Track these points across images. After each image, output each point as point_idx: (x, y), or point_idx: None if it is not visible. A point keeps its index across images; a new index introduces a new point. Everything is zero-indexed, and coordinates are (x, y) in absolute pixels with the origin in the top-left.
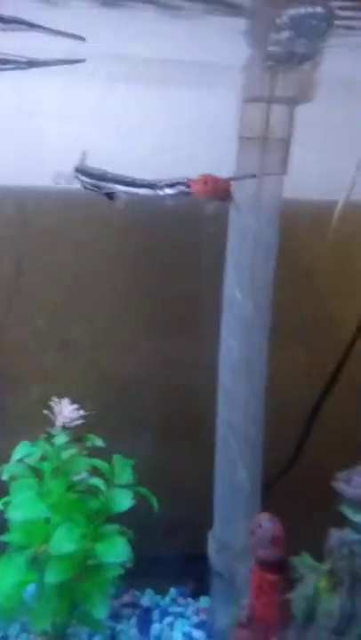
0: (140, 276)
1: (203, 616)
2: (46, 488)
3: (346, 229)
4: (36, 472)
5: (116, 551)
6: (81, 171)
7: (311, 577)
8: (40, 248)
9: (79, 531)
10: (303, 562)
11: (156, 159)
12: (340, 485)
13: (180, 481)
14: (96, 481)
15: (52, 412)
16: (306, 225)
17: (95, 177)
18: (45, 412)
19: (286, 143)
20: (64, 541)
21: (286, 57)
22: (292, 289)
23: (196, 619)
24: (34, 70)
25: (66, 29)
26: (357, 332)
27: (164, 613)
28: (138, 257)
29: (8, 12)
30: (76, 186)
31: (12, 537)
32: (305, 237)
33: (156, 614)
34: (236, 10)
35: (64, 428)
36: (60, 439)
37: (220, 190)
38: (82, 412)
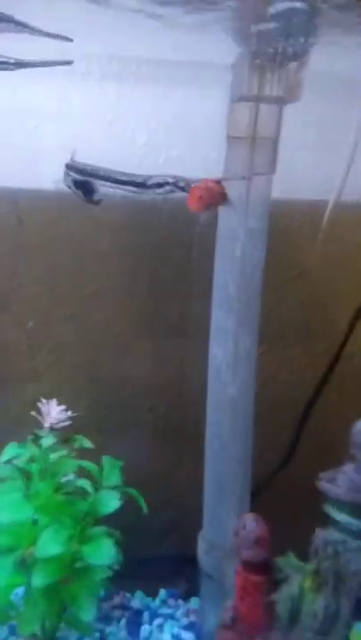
0: (135, 277)
1: (192, 617)
2: (34, 490)
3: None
4: (25, 474)
5: (103, 553)
6: (71, 167)
7: (296, 577)
8: (35, 248)
9: (66, 533)
10: (288, 562)
11: (148, 158)
12: (324, 485)
13: (171, 482)
14: (83, 482)
15: (40, 414)
16: (298, 225)
17: (85, 173)
18: (33, 413)
19: (275, 142)
20: (50, 544)
21: (274, 55)
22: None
23: (185, 620)
24: (27, 71)
25: (59, 30)
26: (349, 333)
27: (154, 615)
28: (132, 257)
29: None
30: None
31: None
32: (296, 237)
33: (145, 616)
34: (221, 6)
35: (52, 429)
36: (48, 440)
37: (215, 198)
38: (70, 414)
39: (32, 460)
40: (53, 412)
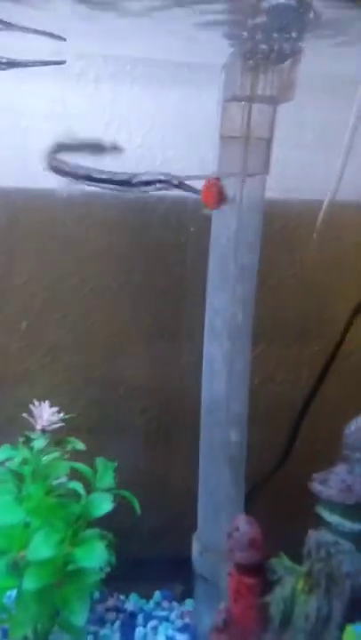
0: (130, 277)
1: (187, 619)
2: (26, 492)
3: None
4: (18, 476)
5: (95, 556)
6: (54, 168)
7: (289, 579)
8: (29, 248)
9: (58, 535)
10: (281, 563)
11: (145, 159)
12: (316, 486)
13: (165, 483)
14: (74, 485)
15: (32, 416)
16: (294, 225)
17: (69, 174)
18: (25, 415)
19: (268, 143)
20: (42, 547)
21: (266, 54)
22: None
23: (180, 622)
24: (22, 70)
25: (56, 30)
26: (345, 332)
27: (148, 617)
28: (127, 257)
29: None
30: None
31: None
32: (292, 237)
33: (140, 618)
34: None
35: (44, 431)
36: (39, 443)
37: (224, 195)
38: (62, 415)
39: (24, 462)
40: (45, 415)
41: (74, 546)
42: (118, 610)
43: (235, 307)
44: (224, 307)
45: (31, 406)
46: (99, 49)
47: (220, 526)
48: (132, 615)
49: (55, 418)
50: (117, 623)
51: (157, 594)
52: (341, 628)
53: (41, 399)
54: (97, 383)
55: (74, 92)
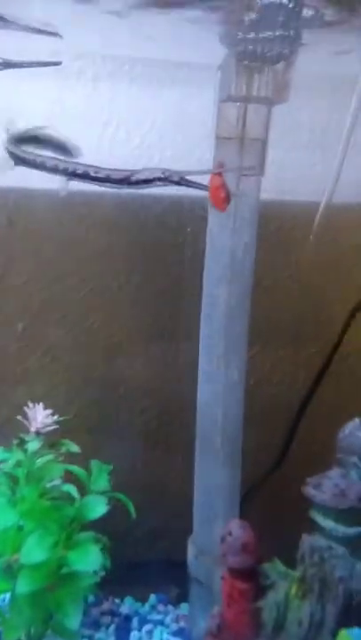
0: (128, 277)
1: (182, 623)
2: (19, 495)
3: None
4: (12, 478)
5: (89, 559)
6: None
7: (282, 584)
8: (25, 248)
9: (51, 539)
10: (274, 568)
11: (142, 159)
12: (309, 490)
13: (162, 485)
14: (68, 487)
15: (27, 418)
16: (289, 227)
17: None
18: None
19: (263, 144)
20: (35, 550)
21: (261, 55)
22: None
23: (175, 626)
24: (20, 70)
25: (54, 29)
26: (343, 334)
27: (144, 621)
28: (125, 258)
29: None
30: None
31: None
32: (288, 239)
33: (135, 622)
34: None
35: (38, 433)
36: (34, 445)
37: (229, 195)
38: (56, 418)
39: (18, 464)
40: (40, 417)
41: (68, 549)
42: (113, 613)
43: (231, 307)
44: (220, 307)
45: (25, 408)
46: (97, 48)
47: (216, 530)
48: (127, 619)
49: (49, 420)
50: (112, 627)
51: (153, 597)
52: (334, 634)
53: (40, 399)
54: (96, 383)
55: (72, 92)
